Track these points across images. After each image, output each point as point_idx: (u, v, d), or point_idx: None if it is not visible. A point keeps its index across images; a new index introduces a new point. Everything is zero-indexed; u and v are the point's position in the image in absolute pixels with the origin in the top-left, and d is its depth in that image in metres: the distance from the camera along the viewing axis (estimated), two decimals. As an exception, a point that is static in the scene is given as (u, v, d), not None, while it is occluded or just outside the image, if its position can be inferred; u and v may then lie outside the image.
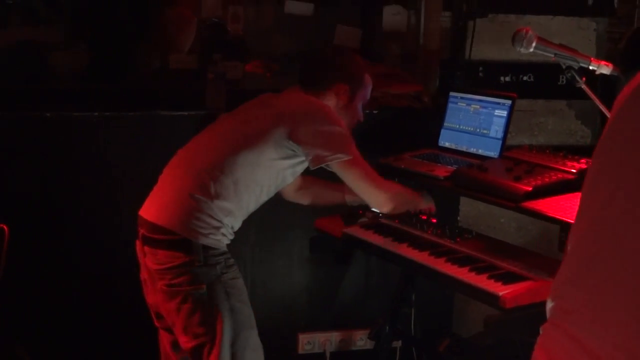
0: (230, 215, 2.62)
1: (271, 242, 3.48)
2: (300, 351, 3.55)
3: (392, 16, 3.77)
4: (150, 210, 2.66)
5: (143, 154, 3.27)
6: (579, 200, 2.49)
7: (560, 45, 2.23)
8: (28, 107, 3.22)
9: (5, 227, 2.62)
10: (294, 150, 2.67)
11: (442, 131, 3.23)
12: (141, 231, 2.65)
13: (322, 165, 2.68)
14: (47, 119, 3.17)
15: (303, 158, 2.70)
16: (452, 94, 3.24)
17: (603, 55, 3.79)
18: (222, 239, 2.61)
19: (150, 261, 2.61)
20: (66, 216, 3.23)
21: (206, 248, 2.55)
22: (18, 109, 3.21)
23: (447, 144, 3.20)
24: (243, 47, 3.74)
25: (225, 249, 2.62)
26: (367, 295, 3.64)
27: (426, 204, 2.97)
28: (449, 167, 2.94)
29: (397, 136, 3.45)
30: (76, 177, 3.22)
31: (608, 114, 2.37)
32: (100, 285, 3.27)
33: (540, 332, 1.51)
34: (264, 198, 2.74)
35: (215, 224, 2.58)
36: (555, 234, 2.56)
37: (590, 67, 2.33)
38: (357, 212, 3.07)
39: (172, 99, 3.42)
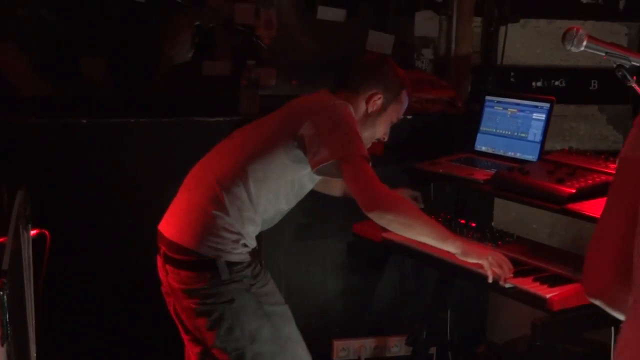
0: (250, 222, 2.51)
1: (305, 248, 3.47)
2: (335, 358, 3.54)
3: (424, 21, 3.77)
4: (169, 226, 2.56)
5: (178, 160, 3.25)
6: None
7: (612, 44, 2.22)
8: (64, 114, 3.23)
9: (47, 233, 2.61)
10: (304, 153, 2.46)
11: (478, 135, 3.22)
12: (162, 248, 2.56)
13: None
14: (84, 125, 3.18)
15: None
16: (488, 97, 3.23)
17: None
18: (243, 250, 2.50)
19: (173, 280, 2.52)
20: (105, 222, 3.23)
21: (231, 264, 2.45)
22: (54, 116, 3.21)
23: (483, 148, 3.19)
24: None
25: (249, 259, 2.51)
26: (401, 302, 3.62)
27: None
28: (488, 170, 2.93)
29: (432, 141, 3.45)
30: (114, 182, 3.22)
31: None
32: (141, 295, 3.25)
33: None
34: (284, 207, 2.62)
35: (235, 237, 2.47)
36: (588, 239, 2.53)
37: (644, 65, 2.31)
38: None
39: (206, 106, 3.43)
